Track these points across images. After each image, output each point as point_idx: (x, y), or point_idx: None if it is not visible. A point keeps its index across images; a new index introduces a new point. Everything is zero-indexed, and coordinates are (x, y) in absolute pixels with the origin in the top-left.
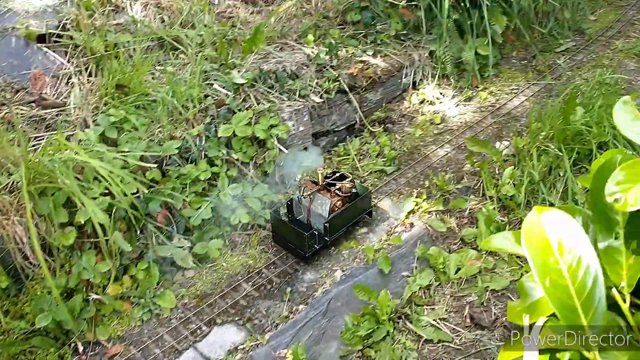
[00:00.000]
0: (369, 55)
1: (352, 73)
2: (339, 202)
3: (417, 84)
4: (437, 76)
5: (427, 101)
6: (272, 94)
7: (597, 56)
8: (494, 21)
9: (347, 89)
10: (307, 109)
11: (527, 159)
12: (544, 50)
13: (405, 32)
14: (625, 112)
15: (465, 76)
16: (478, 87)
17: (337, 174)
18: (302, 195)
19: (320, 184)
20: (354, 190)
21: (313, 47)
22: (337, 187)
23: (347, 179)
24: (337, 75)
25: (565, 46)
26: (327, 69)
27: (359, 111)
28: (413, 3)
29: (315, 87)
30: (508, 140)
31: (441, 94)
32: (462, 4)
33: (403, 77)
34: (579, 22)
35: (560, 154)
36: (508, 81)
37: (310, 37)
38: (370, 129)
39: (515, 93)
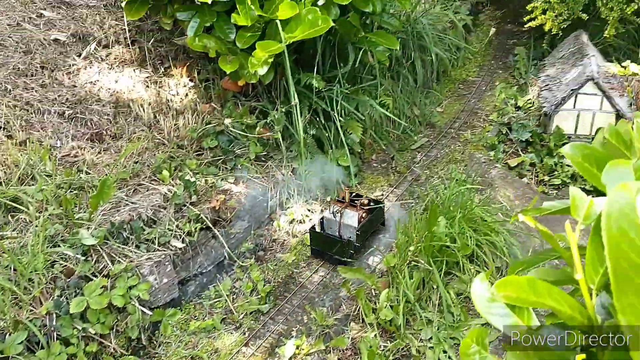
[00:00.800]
0: (230, 183)
1: (214, 207)
2: (364, 213)
3: (284, 204)
4: (302, 193)
5: (297, 220)
6: (128, 249)
7: (450, 150)
8: (350, 130)
9: (211, 225)
10: (169, 258)
11: (400, 276)
12: (401, 149)
13: (265, 152)
14: (481, 290)
15: (331, 188)
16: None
17: (354, 193)
18: (334, 212)
19: (346, 201)
20: (371, 204)
21: (170, 183)
22: (359, 202)
23: (363, 197)
24: (198, 214)
25: (420, 142)
26: (187, 207)
27: (225, 246)
28: (270, 125)
29: (175, 231)
30: (380, 256)
31: (309, 210)
32: (317, 119)
33: (269, 199)
34: (428, 116)
35: (431, 267)
36: (372, 186)
37: (165, 172)
38: (241, 263)
39: (380, 199)
